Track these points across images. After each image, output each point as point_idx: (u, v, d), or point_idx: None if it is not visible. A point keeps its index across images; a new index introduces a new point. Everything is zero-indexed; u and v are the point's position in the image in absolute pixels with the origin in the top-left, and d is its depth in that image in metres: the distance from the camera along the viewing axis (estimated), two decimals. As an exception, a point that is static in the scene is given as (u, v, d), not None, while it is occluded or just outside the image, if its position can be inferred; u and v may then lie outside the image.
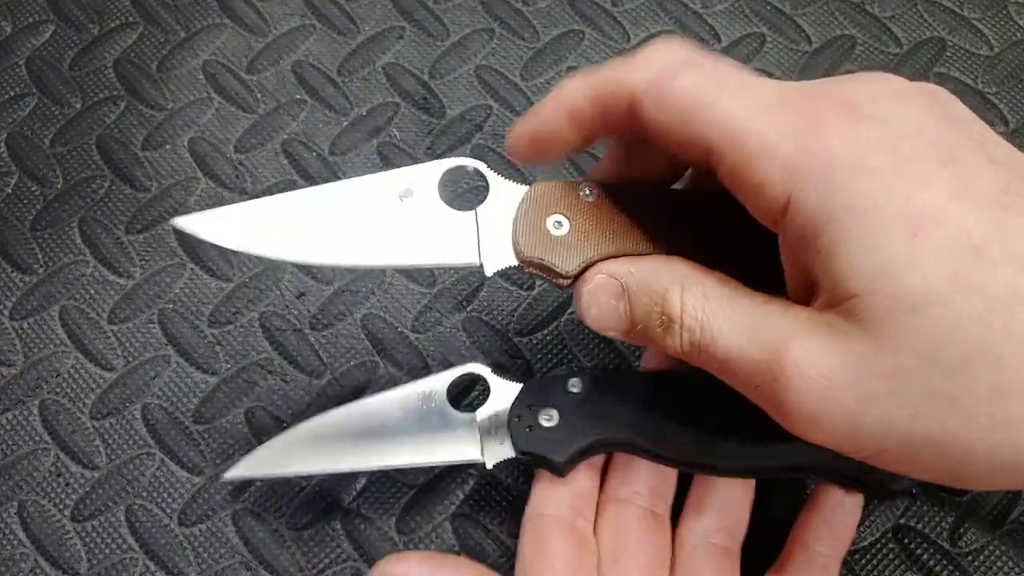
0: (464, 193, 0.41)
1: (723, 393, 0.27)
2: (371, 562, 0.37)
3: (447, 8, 0.48)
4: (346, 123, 0.46)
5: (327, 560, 0.37)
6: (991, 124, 0.44)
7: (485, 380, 0.34)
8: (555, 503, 0.33)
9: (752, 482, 0.34)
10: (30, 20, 0.49)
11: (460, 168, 0.32)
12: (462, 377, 0.35)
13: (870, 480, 0.33)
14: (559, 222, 0.30)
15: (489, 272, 0.30)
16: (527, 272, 0.30)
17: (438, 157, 0.45)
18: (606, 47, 0.47)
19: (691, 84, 0.26)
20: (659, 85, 0.26)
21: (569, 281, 0.30)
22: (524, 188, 0.31)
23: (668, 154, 0.29)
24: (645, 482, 0.34)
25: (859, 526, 0.35)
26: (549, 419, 0.33)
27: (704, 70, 0.26)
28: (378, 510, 0.38)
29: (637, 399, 0.33)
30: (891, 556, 0.36)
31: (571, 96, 0.29)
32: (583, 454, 0.33)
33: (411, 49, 0.47)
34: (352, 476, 0.38)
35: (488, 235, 0.31)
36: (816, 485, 0.34)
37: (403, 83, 0.46)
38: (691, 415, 0.32)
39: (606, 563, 0.32)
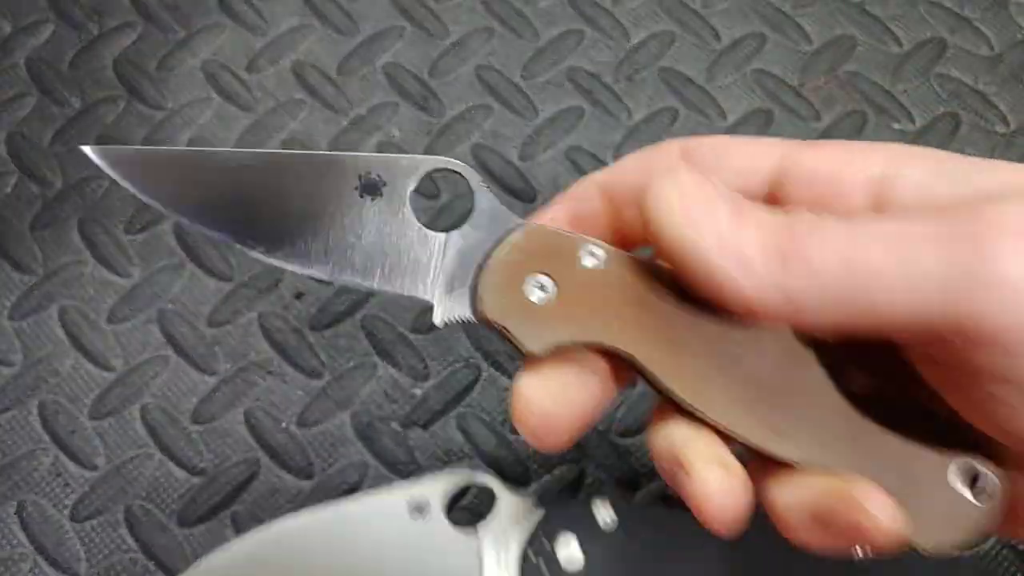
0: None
1: (768, 559, 0.25)
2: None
3: (447, 7, 0.48)
4: (346, 122, 0.46)
5: (326, 560, 0.37)
6: (992, 124, 0.44)
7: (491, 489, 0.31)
8: None
9: None
10: (30, 20, 0.49)
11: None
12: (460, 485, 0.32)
13: None
14: (542, 285, 0.23)
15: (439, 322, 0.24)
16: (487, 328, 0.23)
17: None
18: (606, 47, 0.47)
19: None
20: None
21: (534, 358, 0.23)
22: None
23: None
24: None
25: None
26: (572, 562, 0.29)
27: None
28: (377, 510, 0.38)
29: (673, 552, 0.29)
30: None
31: None
32: None
33: (411, 48, 0.47)
34: (350, 476, 0.38)
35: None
36: None
37: (403, 82, 0.46)
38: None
39: None
